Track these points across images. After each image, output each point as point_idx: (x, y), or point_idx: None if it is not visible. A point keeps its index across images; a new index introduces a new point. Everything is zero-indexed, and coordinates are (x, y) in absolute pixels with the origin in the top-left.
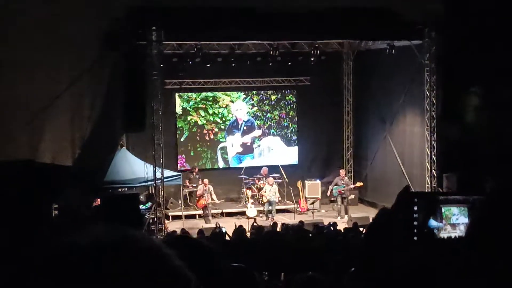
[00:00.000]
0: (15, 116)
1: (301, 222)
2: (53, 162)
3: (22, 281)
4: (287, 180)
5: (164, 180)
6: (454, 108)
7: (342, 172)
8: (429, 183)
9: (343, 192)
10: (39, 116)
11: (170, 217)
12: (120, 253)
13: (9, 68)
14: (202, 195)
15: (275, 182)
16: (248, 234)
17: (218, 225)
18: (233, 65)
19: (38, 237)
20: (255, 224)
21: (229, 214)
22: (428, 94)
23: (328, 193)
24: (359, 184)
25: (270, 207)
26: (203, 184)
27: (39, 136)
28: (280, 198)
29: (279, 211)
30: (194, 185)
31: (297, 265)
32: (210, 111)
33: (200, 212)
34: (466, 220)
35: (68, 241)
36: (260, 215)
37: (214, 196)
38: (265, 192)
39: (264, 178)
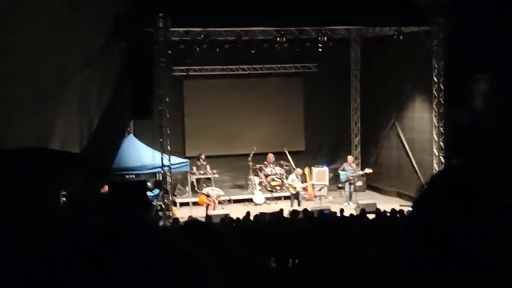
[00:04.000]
0: (24, 102)
1: (305, 209)
2: (61, 149)
3: (31, 268)
4: (294, 166)
5: (172, 167)
6: (462, 94)
7: (350, 158)
8: (437, 169)
9: (351, 178)
10: (48, 103)
11: (178, 204)
12: (134, 239)
13: (17, 54)
14: (210, 198)
15: (284, 169)
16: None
17: (227, 215)
18: (240, 51)
19: (46, 224)
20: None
21: (237, 201)
22: (436, 80)
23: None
24: (368, 170)
25: (296, 200)
26: (217, 194)
27: (48, 123)
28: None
29: (286, 197)
30: (202, 172)
31: (305, 251)
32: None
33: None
34: None
35: (81, 225)
36: (267, 202)
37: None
38: (293, 181)
39: (271, 165)
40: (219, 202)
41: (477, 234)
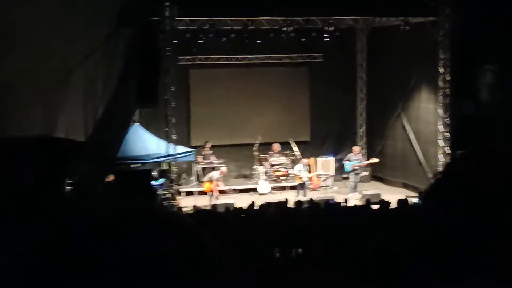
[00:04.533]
0: (29, 92)
1: (311, 199)
2: (66, 137)
3: (38, 253)
4: (300, 156)
5: (177, 156)
6: (468, 86)
7: (356, 148)
8: (442, 160)
9: (356, 168)
10: (53, 93)
11: (183, 193)
12: (141, 220)
13: (22, 42)
14: (213, 180)
15: (290, 159)
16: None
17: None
18: (246, 41)
19: (51, 211)
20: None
21: (241, 191)
22: (442, 71)
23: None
24: (374, 160)
25: (301, 190)
26: (220, 171)
27: (53, 111)
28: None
29: (291, 187)
30: (207, 161)
31: (308, 241)
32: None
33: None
34: None
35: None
36: (272, 191)
37: (222, 185)
38: (299, 171)
39: (276, 155)
40: (223, 192)
41: (479, 232)
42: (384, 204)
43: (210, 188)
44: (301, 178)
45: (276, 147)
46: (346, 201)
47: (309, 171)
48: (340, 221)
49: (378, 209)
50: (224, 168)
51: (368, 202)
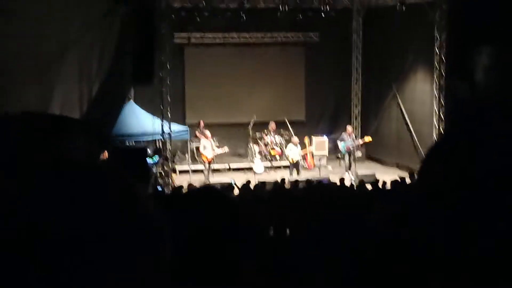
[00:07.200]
0: (24, 68)
1: (308, 180)
2: (60, 114)
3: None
4: (293, 135)
5: (172, 134)
6: (464, 67)
7: (349, 128)
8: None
9: (351, 148)
10: (49, 69)
11: (177, 172)
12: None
13: (18, 19)
14: (205, 148)
15: (284, 138)
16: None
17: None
18: (242, 20)
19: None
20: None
21: (236, 170)
22: (438, 52)
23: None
24: (368, 139)
25: (295, 169)
26: (204, 137)
27: (48, 89)
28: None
29: (285, 167)
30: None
31: (303, 221)
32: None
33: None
34: None
35: None
36: (267, 171)
37: (216, 149)
38: (290, 150)
39: (272, 133)
40: (219, 169)
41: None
42: (378, 184)
43: (209, 158)
44: (292, 159)
45: (273, 125)
46: (341, 180)
47: (302, 149)
48: (335, 201)
49: (373, 189)
50: (207, 133)
51: (362, 183)
